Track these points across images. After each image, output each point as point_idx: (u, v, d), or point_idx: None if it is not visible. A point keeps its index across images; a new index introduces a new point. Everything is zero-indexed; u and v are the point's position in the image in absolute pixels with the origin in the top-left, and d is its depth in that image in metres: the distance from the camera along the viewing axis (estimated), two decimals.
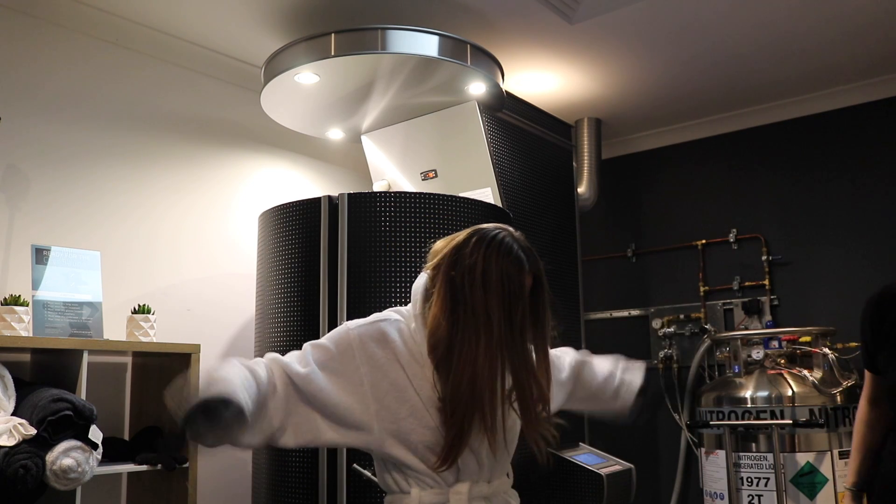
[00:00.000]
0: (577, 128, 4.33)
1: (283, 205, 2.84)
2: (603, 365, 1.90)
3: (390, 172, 3.50)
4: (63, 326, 2.53)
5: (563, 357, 1.85)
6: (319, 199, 2.72)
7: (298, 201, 2.80)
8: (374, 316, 1.59)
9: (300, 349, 1.55)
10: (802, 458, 3.27)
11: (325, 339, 1.56)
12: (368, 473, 2.40)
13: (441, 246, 1.57)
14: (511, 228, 1.57)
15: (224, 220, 3.44)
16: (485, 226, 1.56)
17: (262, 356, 1.54)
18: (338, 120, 3.41)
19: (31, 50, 2.85)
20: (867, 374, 2.12)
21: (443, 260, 1.53)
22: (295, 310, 2.70)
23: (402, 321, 1.57)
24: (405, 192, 2.74)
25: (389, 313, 1.59)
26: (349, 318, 2.56)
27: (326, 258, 2.66)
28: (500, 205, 3.10)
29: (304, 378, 1.47)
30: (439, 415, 1.48)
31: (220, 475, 3.20)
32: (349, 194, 2.68)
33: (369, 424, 1.49)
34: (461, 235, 1.55)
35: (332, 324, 2.58)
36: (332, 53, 2.80)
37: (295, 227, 2.78)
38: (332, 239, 2.67)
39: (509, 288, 1.46)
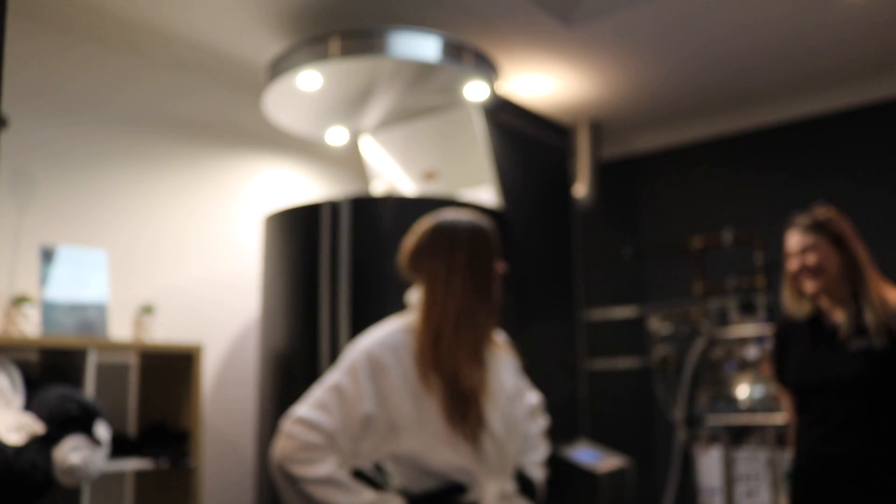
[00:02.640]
0: (575, 130, 4.37)
1: (286, 209, 2.88)
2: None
3: (391, 173, 3.54)
4: (70, 326, 2.57)
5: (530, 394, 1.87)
6: (321, 204, 2.76)
7: (302, 206, 2.83)
8: None
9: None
10: None
11: None
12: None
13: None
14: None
15: (227, 221, 3.47)
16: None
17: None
18: (339, 121, 3.45)
19: (39, 54, 2.89)
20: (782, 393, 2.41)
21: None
22: (297, 312, 2.74)
23: None
24: (405, 196, 2.78)
25: None
26: (352, 321, 2.62)
27: (329, 262, 2.70)
28: (499, 206, 3.14)
29: None
30: None
31: (225, 472, 3.24)
32: (351, 200, 2.72)
33: None
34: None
35: (334, 326, 2.63)
36: (333, 55, 2.83)
37: (298, 231, 2.82)
38: (334, 243, 2.71)
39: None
